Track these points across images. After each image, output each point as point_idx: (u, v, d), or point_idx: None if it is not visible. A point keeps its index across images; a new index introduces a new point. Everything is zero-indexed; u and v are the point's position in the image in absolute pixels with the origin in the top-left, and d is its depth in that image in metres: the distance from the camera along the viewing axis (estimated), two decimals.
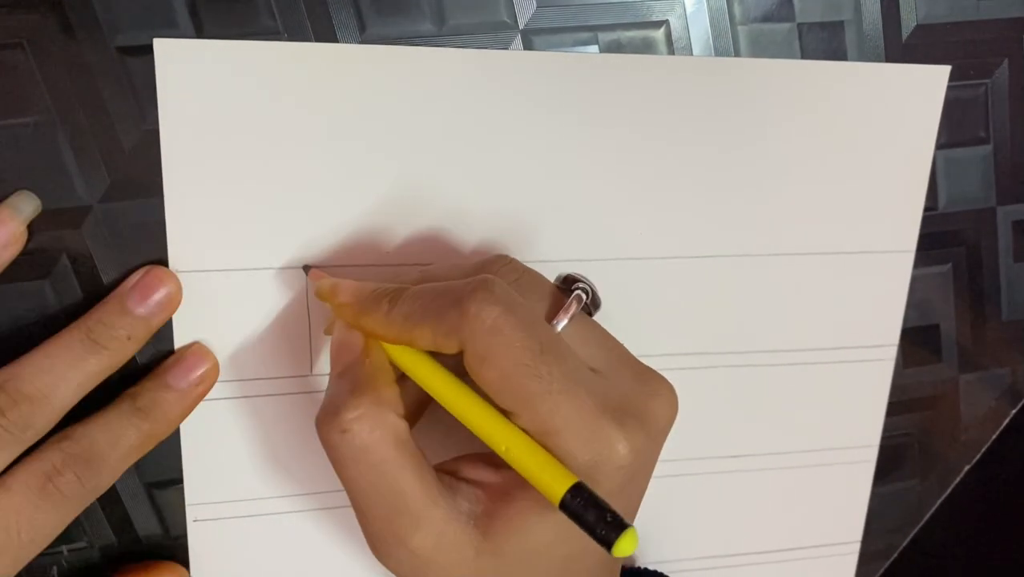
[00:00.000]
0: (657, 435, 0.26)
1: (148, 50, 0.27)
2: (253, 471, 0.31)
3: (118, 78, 0.27)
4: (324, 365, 0.31)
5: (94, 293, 0.28)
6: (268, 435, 0.31)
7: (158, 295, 0.28)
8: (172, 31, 0.27)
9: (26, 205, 0.27)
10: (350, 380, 0.25)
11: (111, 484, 0.28)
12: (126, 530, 0.31)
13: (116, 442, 0.27)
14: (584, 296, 0.28)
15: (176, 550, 0.31)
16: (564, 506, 0.23)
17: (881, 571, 0.40)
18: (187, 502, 0.31)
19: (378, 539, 0.25)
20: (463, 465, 0.27)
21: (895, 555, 0.40)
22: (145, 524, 0.31)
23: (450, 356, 0.25)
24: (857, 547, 0.39)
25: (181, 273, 0.29)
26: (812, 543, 0.38)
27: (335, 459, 0.25)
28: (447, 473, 0.26)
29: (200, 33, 0.27)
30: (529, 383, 0.24)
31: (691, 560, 0.37)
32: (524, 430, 0.25)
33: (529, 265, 0.28)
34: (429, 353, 0.26)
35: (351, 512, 0.31)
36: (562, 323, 0.26)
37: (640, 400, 0.26)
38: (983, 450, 0.40)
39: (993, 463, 0.40)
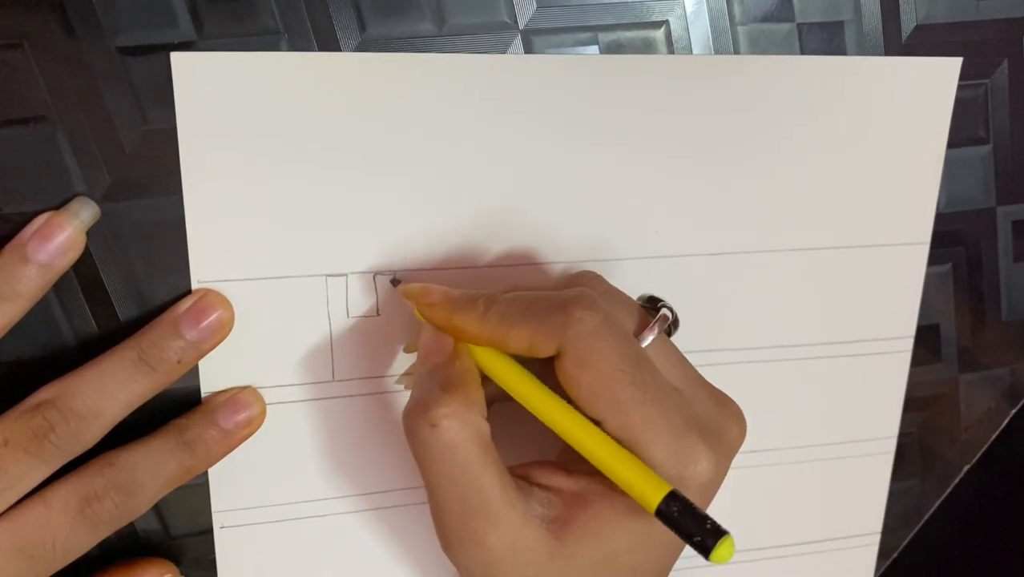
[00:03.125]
0: (730, 454, 0.27)
1: (149, 50, 0.27)
2: (277, 476, 0.31)
3: (118, 78, 0.27)
4: (345, 371, 0.31)
5: (95, 292, 0.28)
6: (291, 440, 0.31)
7: (210, 320, 0.28)
8: (173, 31, 0.27)
9: (85, 211, 0.27)
10: (440, 379, 0.26)
11: (145, 511, 0.28)
12: (125, 528, 0.31)
13: (157, 473, 0.28)
14: (669, 315, 0.29)
15: (172, 550, 0.31)
16: (661, 513, 0.23)
17: (881, 571, 0.40)
18: (213, 509, 0.31)
19: (453, 536, 0.26)
20: (536, 471, 0.27)
21: (895, 555, 0.40)
22: (146, 523, 0.31)
23: (535, 363, 0.26)
24: (877, 538, 0.39)
25: (203, 284, 0.29)
26: (832, 535, 0.39)
27: (421, 454, 0.25)
28: (520, 478, 0.27)
29: (201, 33, 0.28)
30: (625, 389, 0.25)
31: None
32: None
33: (545, 267, 0.29)
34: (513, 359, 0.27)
35: (376, 516, 0.31)
36: (648, 340, 0.27)
37: (717, 420, 0.27)
38: (983, 450, 0.40)
39: (993, 463, 0.40)
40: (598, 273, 0.30)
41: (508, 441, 0.28)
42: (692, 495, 0.25)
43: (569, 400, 0.26)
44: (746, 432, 0.28)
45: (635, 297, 0.30)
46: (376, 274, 0.30)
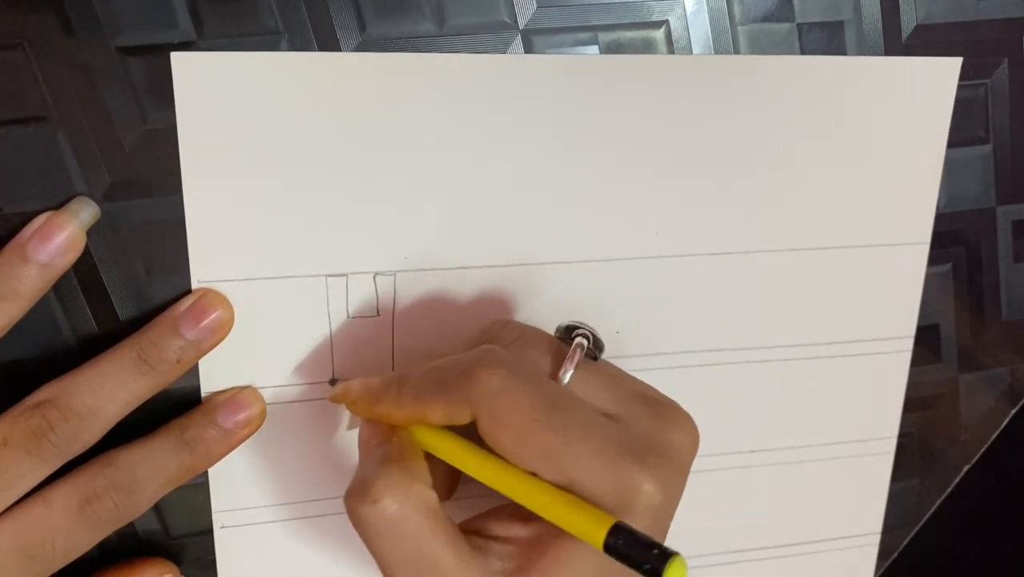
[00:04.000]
0: (681, 467, 0.27)
1: (149, 50, 0.27)
2: (277, 476, 0.31)
3: (118, 78, 0.27)
4: (345, 371, 0.31)
5: (95, 292, 0.28)
6: (291, 440, 0.31)
7: (209, 320, 0.28)
8: (173, 31, 0.27)
9: (85, 211, 0.27)
10: (377, 457, 0.26)
11: (145, 511, 0.28)
12: (125, 528, 0.31)
13: (157, 473, 0.28)
14: (586, 342, 0.28)
15: (172, 550, 0.31)
16: (608, 548, 0.23)
17: (881, 571, 0.40)
18: (213, 509, 0.31)
19: None
20: (490, 523, 0.27)
21: (895, 555, 0.40)
22: (146, 524, 0.31)
23: (464, 428, 0.26)
24: (877, 538, 0.39)
25: (203, 284, 0.29)
26: (832, 535, 0.39)
27: (367, 533, 0.25)
28: (475, 533, 0.26)
29: (201, 33, 0.28)
30: (545, 437, 0.24)
31: (712, 555, 0.37)
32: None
33: (546, 266, 0.29)
34: (447, 428, 0.27)
35: None
36: (568, 373, 0.27)
37: (659, 436, 0.26)
38: (983, 450, 0.40)
39: (993, 463, 0.40)
40: (508, 320, 0.29)
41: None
42: (644, 520, 0.24)
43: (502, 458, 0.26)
44: (697, 438, 0.27)
45: (562, 328, 0.30)
46: (376, 274, 0.30)
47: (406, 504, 0.24)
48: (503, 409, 0.25)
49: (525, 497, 0.25)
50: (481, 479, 0.26)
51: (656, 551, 0.22)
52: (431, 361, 0.27)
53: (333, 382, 0.31)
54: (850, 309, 0.36)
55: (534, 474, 0.25)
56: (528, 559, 0.25)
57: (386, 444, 0.27)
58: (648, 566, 0.22)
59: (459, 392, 0.25)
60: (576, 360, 0.27)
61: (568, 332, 0.29)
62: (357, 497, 0.25)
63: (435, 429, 0.27)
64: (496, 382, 0.25)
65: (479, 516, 0.27)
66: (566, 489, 0.25)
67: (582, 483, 0.24)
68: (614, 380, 0.28)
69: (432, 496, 0.25)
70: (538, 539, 0.26)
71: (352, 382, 0.29)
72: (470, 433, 0.26)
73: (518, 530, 0.26)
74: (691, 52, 0.32)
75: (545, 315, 0.32)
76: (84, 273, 0.28)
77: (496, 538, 0.26)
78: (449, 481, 0.30)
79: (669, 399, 0.28)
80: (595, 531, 0.23)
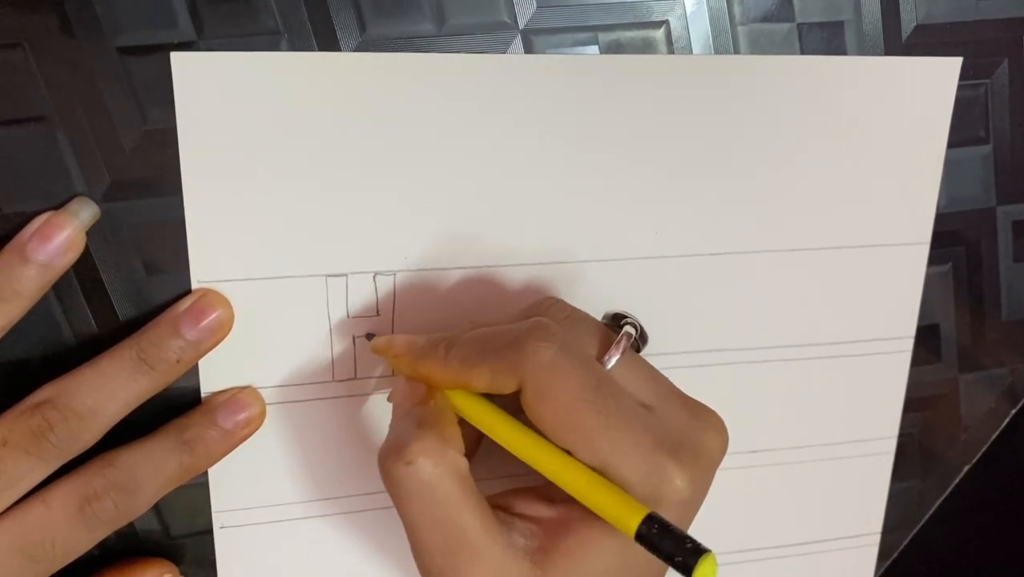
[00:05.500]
0: (710, 467, 0.27)
1: (149, 50, 0.27)
2: (277, 476, 0.31)
3: (118, 78, 0.27)
4: (344, 371, 0.31)
5: (95, 292, 0.28)
6: (291, 440, 0.31)
7: (209, 320, 0.28)
8: (173, 31, 0.27)
9: (85, 211, 0.27)
10: (414, 419, 0.26)
11: (145, 511, 0.28)
12: (126, 528, 0.31)
13: (157, 473, 0.28)
14: (633, 332, 0.28)
15: (172, 550, 0.31)
16: (640, 536, 0.23)
17: (881, 571, 0.40)
18: (213, 509, 0.31)
19: (436, 574, 0.25)
20: (515, 500, 0.27)
21: (895, 555, 0.40)
22: (146, 524, 0.31)
23: (504, 398, 0.26)
24: (877, 539, 0.39)
25: (203, 284, 0.29)
26: (833, 535, 0.39)
27: (398, 494, 0.25)
28: (500, 508, 0.27)
29: (201, 34, 0.28)
30: (588, 417, 0.25)
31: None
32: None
33: (547, 266, 0.29)
34: (485, 397, 0.27)
35: (376, 516, 0.31)
36: (614, 359, 0.27)
37: (693, 434, 0.27)
38: (983, 450, 0.40)
39: (993, 463, 0.40)
40: (560, 298, 0.30)
41: (501, 464, 0.28)
42: (671, 513, 0.24)
43: (540, 432, 0.26)
44: (727, 441, 0.28)
45: (602, 315, 0.30)
46: (376, 274, 0.31)
47: (439, 468, 0.25)
48: (550, 383, 0.25)
49: (559, 475, 0.25)
50: (515, 452, 0.26)
51: (689, 545, 0.23)
52: (479, 327, 0.27)
53: (370, 336, 0.30)
54: (850, 309, 0.36)
55: (569, 453, 0.25)
56: (551, 539, 0.26)
57: (422, 406, 0.27)
58: (679, 559, 0.23)
59: (508, 360, 0.25)
60: (623, 347, 0.27)
61: (616, 320, 0.29)
62: (391, 457, 0.25)
63: (473, 396, 0.27)
64: (547, 355, 0.25)
65: (504, 493, 0.28)
66: (599, 472, 0.25)
67: (617, 468, 0.25)
68: (653, 374, 0.28)
69: (464, 463, 0.25)
70: (562, 521, 0.26)
71: (396, 336, 0.29)
72: (505, 405, 0.26)
73: (543, 510, 0.26)
74: (691, 52, 0.32)
75: None
76: (84, 273, 0.28)
77: (520, 516, 0.26)
78: (471, 448, 0.29)
79: (702, 403, 0.28)
80: (628, 519, 0.23)
